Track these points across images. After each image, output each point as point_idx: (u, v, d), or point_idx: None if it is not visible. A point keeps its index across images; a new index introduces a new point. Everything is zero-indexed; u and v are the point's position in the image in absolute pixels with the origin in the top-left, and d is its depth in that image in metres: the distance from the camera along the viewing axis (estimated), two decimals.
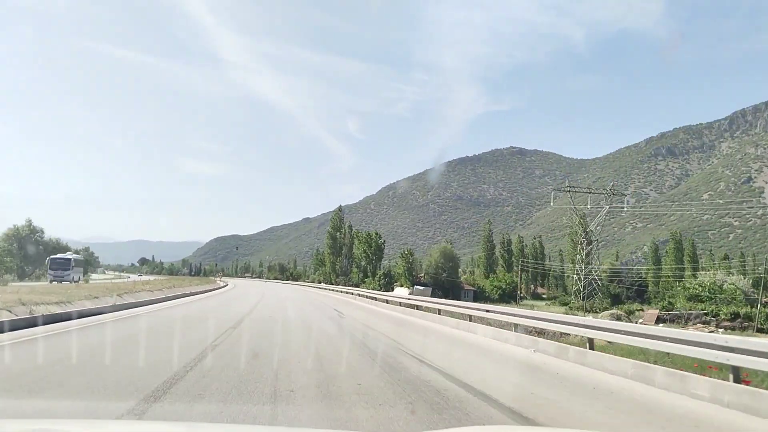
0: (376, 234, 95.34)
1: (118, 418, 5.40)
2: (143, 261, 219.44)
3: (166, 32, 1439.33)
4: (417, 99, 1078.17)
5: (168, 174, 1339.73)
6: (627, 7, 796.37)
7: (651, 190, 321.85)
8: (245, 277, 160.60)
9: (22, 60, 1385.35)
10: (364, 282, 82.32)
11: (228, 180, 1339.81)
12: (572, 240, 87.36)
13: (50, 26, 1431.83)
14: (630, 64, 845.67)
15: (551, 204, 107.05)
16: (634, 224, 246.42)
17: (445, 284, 78.87)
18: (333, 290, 57.31)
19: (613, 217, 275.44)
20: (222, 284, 70.34)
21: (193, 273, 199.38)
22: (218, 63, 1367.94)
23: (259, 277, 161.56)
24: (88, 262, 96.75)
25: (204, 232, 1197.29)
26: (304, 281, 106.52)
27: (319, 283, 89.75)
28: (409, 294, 37.50)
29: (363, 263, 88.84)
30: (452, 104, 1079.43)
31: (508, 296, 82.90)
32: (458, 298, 62.85)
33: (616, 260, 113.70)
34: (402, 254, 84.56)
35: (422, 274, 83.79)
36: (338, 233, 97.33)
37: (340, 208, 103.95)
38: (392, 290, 70.81)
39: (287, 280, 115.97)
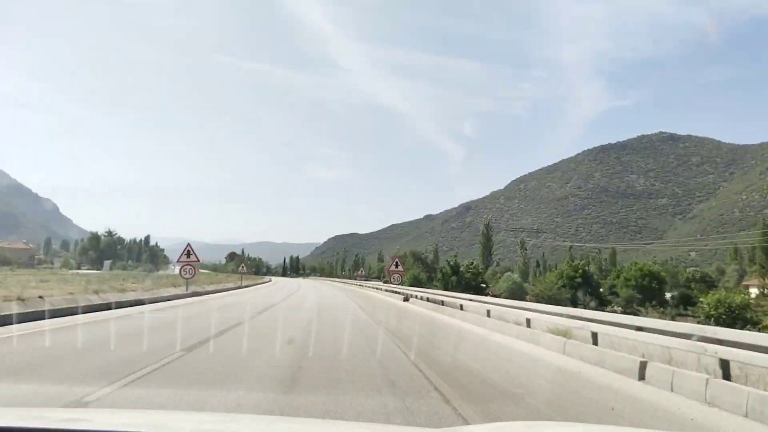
0: None
1: None
2: (232, 256, 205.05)
3: (289, 43, 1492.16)
4: (536, 97, 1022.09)
5: (292, 179, 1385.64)
6: None
7: None
8: (356, 279, 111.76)
9: (156, 74, 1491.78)
10: None
11: (347, 182, 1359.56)
12: None
13: (181, 43, 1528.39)
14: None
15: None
16: None
17: None
18: None
19: None
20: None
21: (289, 272, 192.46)
22: (337, 70, 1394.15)
23: (366, 278, 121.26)
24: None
25: (325, 233, 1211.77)
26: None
27: None
28: None
29: None
30: (574, 101, 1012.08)
31: None
32: None
33: None
34: None
35: None
36: None
37: None
38: None
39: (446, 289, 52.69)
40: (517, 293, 56.23)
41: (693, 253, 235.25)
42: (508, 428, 3.52)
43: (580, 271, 58.36)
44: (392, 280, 37.55)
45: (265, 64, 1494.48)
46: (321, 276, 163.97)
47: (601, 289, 62.13)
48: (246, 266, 70.93)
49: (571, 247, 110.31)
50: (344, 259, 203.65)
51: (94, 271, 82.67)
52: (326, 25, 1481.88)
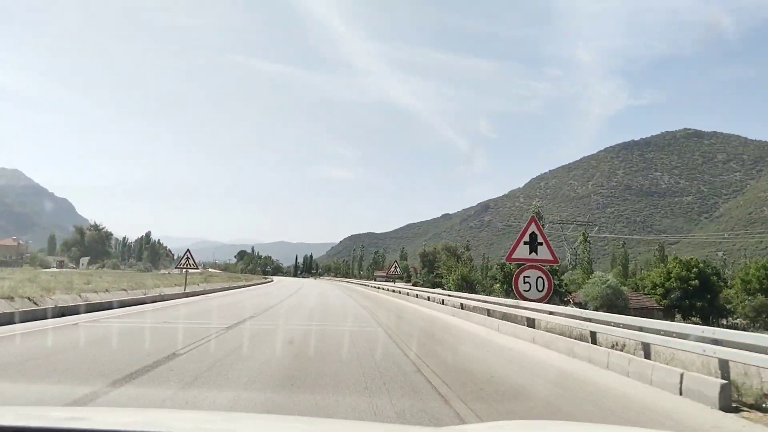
0: None
1: None
2: (242, 255, 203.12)
3: (303, 43, 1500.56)
4: (551, 96, 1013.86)
5: (308, 179, 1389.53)
6: None
7: None
8: (375, 279, 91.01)
9: (172, 75, 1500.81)
10: None
11: (363, 182, 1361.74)
12: None
13: (195, 43, 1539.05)
14: None
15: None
16: None
17: None
18: None
19: None
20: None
21: (301, 272, 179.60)
22: (351, 69, 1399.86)
23: (388, 279, 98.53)
24: None
25: (341, 233, 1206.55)
26: None
27: None
28: None
29: None
30: (590, 99, 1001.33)
31: None
32: None
33: None
34: None
35: None
36: None
37: None
38: None
39: None
40: (613, 301, 38.90)
41: (720, 253, 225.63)
42: (506, 427, 3.50)
43: (695, 270, 42.84)
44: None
45: (280, 64, 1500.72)
46: (336, 276, 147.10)
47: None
48: (190, 259, 50.36)
49: (624, 243, 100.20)
50: (361, 256, 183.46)
51: (57, 269, 73.75)
52: (340, 25, 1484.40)
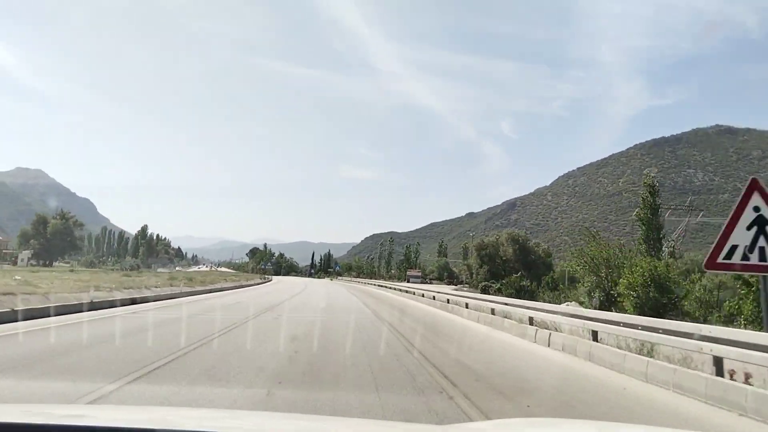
0: None
1: None
2: (253, 253, 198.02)
3: (326, 45, 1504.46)
4: (573, 96, 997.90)
5: (330, 179, 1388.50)
6: None
7: None
8: (408, 281, 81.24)
9: (193, 76, 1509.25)
10: None
11: (384, 182, 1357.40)
12: None
13: (218, 45, 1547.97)
14: None
15: None
16: None
17: None
18: None
19: None
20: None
21: (314, 271, 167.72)
22: (373, 71, 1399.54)
23: (423, 280, 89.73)
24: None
25: (362, 232, 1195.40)
26: None
27: None
28: None
29: None
30: (613, 100, 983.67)
31: None
32: None
33: None
34: None
35: None
36: None
37: None
38: None
39: None
40: None
41: None
42: (510, 425, 3.50)
43: None
44: None
45: (303, 66, 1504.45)
46: (358, 276, 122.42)
47: None
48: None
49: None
50: (390, 253, 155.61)
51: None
52: (363, 27, 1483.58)
